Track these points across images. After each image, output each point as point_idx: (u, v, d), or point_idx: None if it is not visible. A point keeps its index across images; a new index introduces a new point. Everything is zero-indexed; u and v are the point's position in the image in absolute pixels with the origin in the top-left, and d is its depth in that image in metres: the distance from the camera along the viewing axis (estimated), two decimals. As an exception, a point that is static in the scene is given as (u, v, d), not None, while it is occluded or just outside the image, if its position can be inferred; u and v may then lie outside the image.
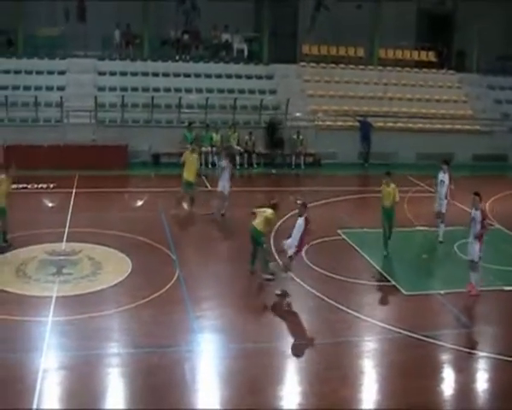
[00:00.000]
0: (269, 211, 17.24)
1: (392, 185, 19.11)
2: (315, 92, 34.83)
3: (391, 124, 33.52)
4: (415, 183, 28.00)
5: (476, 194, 16.92)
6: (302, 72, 36.15)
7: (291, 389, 12.49)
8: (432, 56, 39.80)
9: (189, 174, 22.50)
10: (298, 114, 33.48)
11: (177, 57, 35.59)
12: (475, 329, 15.58)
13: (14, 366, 12.44)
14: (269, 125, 31.61)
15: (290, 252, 16.00)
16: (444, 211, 20.54)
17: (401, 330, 14.80)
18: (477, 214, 16.59)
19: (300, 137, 31.73)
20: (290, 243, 16.03)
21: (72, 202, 23.27)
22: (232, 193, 22.64)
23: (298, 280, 16.68)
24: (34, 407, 11.00)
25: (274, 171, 30.39)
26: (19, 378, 11.90)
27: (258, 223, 17.16)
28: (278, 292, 16.04)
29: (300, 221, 15.99)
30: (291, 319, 14.99)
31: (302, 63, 36.72)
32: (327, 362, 13.52)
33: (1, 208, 18.42)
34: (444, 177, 20.57)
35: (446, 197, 20.52)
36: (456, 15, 39.99)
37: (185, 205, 22.90)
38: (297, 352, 13.90)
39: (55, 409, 11.21)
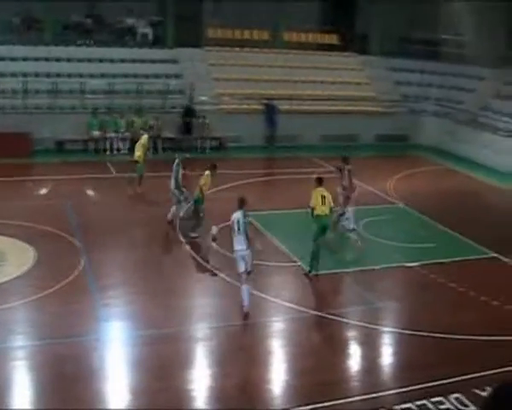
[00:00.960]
0: (206, 173, 18.95)
1: (320, 190, 17.08)
2: (220, 76, 34.72)
3: (296, 106, 33.80)
4: (319, 164, 28.41)
5: (338, 168, 19.66)
6: (207, 56, 36.01)
7: (200, 372, 12.62)
8: (335, 39, 40.36)
9: (136, 153, 23.35)
10: (203, 98, 33.39)
11: (80, 42, 34.81)
12: (380, 305, 16.03)
13: None
14: (186, 111, 31.37)
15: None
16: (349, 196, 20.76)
17: (308, 310, 15.13)
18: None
19: (206, 120, 31.70)
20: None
21: (-27, 193, 22.63)
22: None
23: (204, 264, 16.72)
24: None
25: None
26: None
27: (197, 192, 18.90)
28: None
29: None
30: (198, 302, 15.04)
31: (207, 47, 36.54)
32: (235, 344, 13.71)
33: None
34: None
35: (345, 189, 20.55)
36: (359, -2, 40.68)
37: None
38: (205, 335, 14.02)
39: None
